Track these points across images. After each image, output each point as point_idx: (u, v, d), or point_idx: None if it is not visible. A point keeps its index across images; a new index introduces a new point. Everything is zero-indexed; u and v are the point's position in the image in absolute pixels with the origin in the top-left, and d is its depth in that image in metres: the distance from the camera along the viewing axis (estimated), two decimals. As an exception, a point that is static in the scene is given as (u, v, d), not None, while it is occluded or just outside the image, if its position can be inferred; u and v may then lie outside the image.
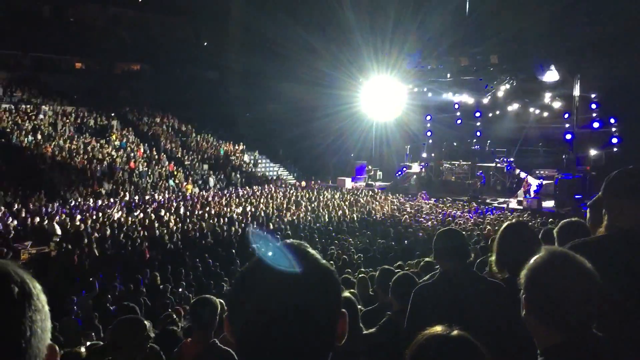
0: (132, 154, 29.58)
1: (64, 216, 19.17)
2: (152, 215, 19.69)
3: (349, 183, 32.28)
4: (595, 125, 26.14)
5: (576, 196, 23.29)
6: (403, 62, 30.27)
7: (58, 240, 16.41)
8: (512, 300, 2.13)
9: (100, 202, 22.90)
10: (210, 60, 44.26)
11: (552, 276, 1.75)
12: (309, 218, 20.97)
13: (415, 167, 33.60)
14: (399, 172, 33.79)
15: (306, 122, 32.83)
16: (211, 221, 19.14)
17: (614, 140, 25.87)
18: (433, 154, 33.76)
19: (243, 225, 18.77)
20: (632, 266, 2.09)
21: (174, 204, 22.73)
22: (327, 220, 20.64)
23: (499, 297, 2.90)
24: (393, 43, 30.00)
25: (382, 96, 32.74)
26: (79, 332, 7.63)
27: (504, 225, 3.27)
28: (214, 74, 45.09)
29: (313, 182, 32.24)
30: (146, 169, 28.26)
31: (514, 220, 3.23)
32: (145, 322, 3.43)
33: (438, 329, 1.53)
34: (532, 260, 1.83)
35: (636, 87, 22.22)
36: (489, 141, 32.00)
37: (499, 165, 29.99)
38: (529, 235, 3.12)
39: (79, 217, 19.07)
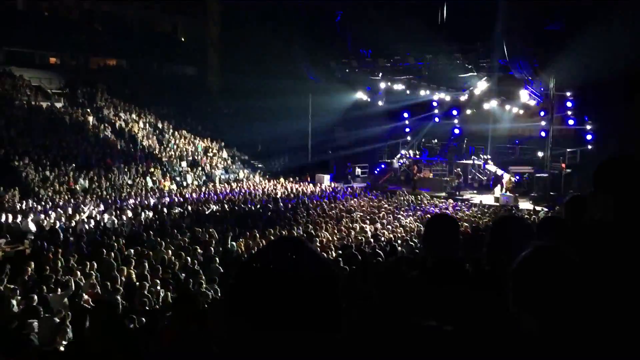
0: (109, 151, 29.22)
1: (38, 214, 18.89)
2: (130, 212, 19.51)
3: (327, 180, 32.28)
4: (570, 122, 26.53)
5: (551, 193, 23.64)
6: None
7: (33, 238, 16.17)
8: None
9: (75, 199, 22.60)
10: (188, 56, 43.96)
11: (541, 272, 1.78)
12: (288, 214, 20.94)
13: (394, 164, 33.75)
14: (376, 169, 33.94)
15: (286, 119, 32.80)
16: (189, 218, 19.04)
17: (588, 137, 26.28)
18: (411, 151, 33.97)
19: (223, 222, 18.68)
20: (619, 259, 2.12)
21: (151, 200, 22.54)
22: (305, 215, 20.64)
23: (487, 288, 2.93)
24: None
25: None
26: (55, 331, 7.54)
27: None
28: (192, 69, 44.81)
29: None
30: (123, 166, 27.94)
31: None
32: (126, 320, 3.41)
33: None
34: (520, 256, 1.85)
35: (609, 85, 22.56)
36: (466, 139, 32.29)
37: (476, 162, 30.31)
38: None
39: (53, 214, 18.81)
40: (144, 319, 7.06)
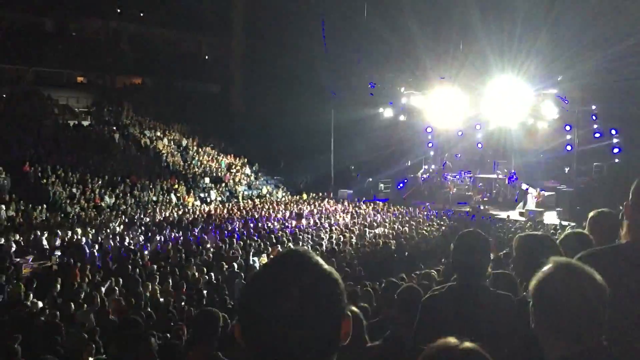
0: (134, 168, 29.60)
1: (65, 230, 19.18)
2: (154, 227, 19.70)
3: (349, 196, 32.19)
4: (596, 136, 26.17)
5: (578, 207, 23.26)
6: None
7: (59, 254, 16.39)
8: (520, 314, 2.11)
9: (102, 215, 22.92)
10: (212, 73, 44.51)
11: (561, 287, 1.75)
12: (312, 230, 20.93)
13: (417, 179, 33.59)
14: (401, 185, 33.78)
15: (309, 135, 32.89)
16: (212, 233, 19.15)
17: (615, 151, 25.87)
18: (434, 166, 33.79)
19: (245, 238, 18.74)
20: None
21: (176, 217, 22.75)
22: (329, 232, 20.60)
23: (507, 310, 2.89)
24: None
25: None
26: (81, 346, 7.60)
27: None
28: (216, 87, 45.33)
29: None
30: (148, 182, 28.26)
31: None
32: (150, 337, 3.43)
33: (450, 340, 1.52)
34: (540, 272, 1.83)
35: (635, 98, 22.26)
36: (490, 152, 32.03)
37: (500, 176, 30.00)
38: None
39: (80, 230, 19.07)
40: (168, 334, 7.08)
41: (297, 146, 33.71)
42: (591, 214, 3.56)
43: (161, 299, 11.34)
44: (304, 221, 22.57)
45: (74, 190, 24.91)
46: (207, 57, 48.15)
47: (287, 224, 22.01)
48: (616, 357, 1.74)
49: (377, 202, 29.80)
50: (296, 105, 33.70)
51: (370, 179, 34.51)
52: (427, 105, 31.64)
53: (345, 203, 29.12)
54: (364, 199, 30.96)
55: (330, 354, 1.24)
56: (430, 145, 34.62)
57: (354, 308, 3.96)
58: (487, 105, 29.08)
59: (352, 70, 32.61)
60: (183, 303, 11.45)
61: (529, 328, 1.90)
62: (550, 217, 24.38)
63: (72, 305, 10.14)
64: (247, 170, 35.57)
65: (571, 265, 1.83)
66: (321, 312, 1.20)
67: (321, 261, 1.27)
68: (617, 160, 25.84)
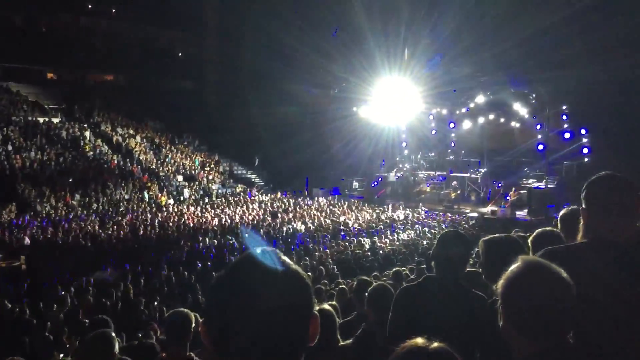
0: (106, 166, 29.20)
1: (35, 228, 18.83)
2: (127, 227, 19.45)
3: (324, 194, 32.25)
4: (567, 136, 26.60)
5: (548, 206, 23.63)
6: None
7: (29, 253, 16.09)
8: (492, 312, 2.14)
9: (72, 214, 22.54)
10: (185, 70, 44.13)
11: (528, 285, 1.77)
12: (285, 229, 20.91)
13: (391, 178, 33.77)
14: (374, 183, 33.93)
15: (284, 133, 32.84)
16: (186, 232, 19.00)
17: (585, 151, 26.35)
18: (407, 165, 34.02)
19: (219, 237, 18.64)
20: (608, 275, 2.12)
21: (149, 216, 22.49)
22: (302, 231, 20.61)
23: (481, 309, 2.92)
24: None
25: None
26: (49, 348, 7.46)
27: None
28: (189, 84, 44.96)
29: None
30: (120, 180, 27.91)
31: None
32: (115, 337, 3.38)
33: (418, 340, 1.53)
34: (508, 270, 1.85)
35: (605, 98, 22.70)
36: (463, 151, 32.36)
37: (472, 175, 30.35)
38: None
39: (50, 229, 18.75)
40: (140, 334, 6.99)
41: (271, 144, 33.61)
42: (561, 212, 3.62)
43: (134, 299, 11.20)
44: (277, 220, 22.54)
45: (44, 188, 24.47)
46: (180, 53, 47.70)
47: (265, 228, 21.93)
48: (582, 354, 1.77)
49: (353, 200, 29.92)
50: (270, 103, 33.62)
51: (344, 178, 34.60)
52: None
53: (321, 201, 29.16)
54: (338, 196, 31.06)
55: (299, 354, 1.23)
56: (404, 144, 34.83)
57: (326, 306, 3.97)
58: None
59: (327, 68, 32.61)
60: (156, 303, 11.34)
61: (498, 328, 1.92)
62: (522, 215, 24.74)
63: (41, 305, 9.97)
64: (221, 169, 35.36)
65: (539, 263, 1.86)
66: (289, 311, 1.19)
67: (289, 260, 1.27)
68: (586, 160, 26.31)
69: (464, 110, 30.05)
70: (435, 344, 1.51)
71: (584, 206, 2.40)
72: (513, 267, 1.84)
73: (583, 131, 26.52)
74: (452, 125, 31.36)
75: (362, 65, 31.04)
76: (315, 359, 3.46)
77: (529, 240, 3.43)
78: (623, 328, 2.03)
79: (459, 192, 29.69)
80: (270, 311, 1.17)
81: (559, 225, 3.58)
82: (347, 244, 17.46)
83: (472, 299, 3.01)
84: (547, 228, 3.56)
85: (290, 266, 1.26)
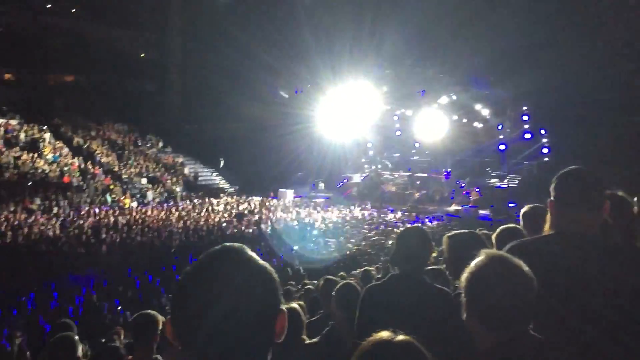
0: (66, 168, 28.56)
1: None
2: (89, 231, 19.09)
3: (290, 195, 32.23)
4: (527, 136, 27.21)
5: (510, 204, 24.12)
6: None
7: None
8: (457, 307, 2.17)
9: (32, 218, 21.97)
10: (148, 72, 43.44)
11: (490, 278, 1.82)
12: (251, 230, 20.83)
13: (356, 178, 33.97)
14: (340, 184, 34.09)
15: (249, 135, 32.72)
16: (150, 235, 18.73)
17: (545, 151, 26.99)
18: (373, 166, 34.26)
19: (183, 239, 18.45)
20: (574, 266, 2.18)
21: (112, 219, 22.09)
22: (269, 232, 20.57)
23: (445, 304, 2.97)
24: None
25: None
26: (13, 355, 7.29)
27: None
28: (152, 86, 44.27)
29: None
30: (81, 183, 27.34)
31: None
32: (78, 340, 3.32)
33: (384, 334, 1.55)
34: (471, 264, 1.89)
35: (564, 99, 23.28)
36: (427, 152, 32.77)
37: (436, 175, 30.78)
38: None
39: (9, 233, 18.26)
40: (103, 339, 6.88)
41: (237, 146, 33.42)
42: (523, 209, 3.72)
43: (97, 303, 11.01)
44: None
45: (2, 192, 23.79)
46: (142, 54, 46.96)
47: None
48: (545, 345, 1.82)
49: (319, 200, 29.99)
50: (235, 105, 33.42)
51: (311, 179, 34.61)
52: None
53: (286, 202, 29.14)
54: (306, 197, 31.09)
55: (266, 350, 1.24)
56: (369, 145, 35.08)
57: (294, 304, 3.98)
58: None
59: (292, 71, 32.58)
60: (119, 307, 11.18)
61: (462, 321, 1.96)
62: (485, 214, 25.17)
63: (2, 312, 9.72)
64: (186, 170, 34.96)
65: (501, 256, 1.91)
66: (256, 306, 1.20)
67: (256, 256, 1.27)
68: (546, 160, 26.96)
69: (427, 110, 30.43)
70: (400, 337, 1.54)
71: (552, 198, 2.46)
72: (476, 260, 1.88)
73: (542, 131, 27.17)
74: (416, 125, 31.69)
75: (329, 66, 31.14)
76: (281, 357, 3.47)
77: (493, 237, 3.51)
78: (587, 319, 2.10)
79: (423, 192, 30.04)
80: (237, 306, 1.17)
81: (521, 222, 3.67)
82: (313, 245, 17.51)
83: (436, 294, 3.06)
84: (510, 225, 3.65)
85: (257, 262, 1.26)
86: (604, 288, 2.14)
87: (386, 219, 24.31)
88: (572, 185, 2.40)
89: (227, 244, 1.29)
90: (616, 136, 22.48)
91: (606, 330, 2.07)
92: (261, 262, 1.27)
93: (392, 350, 1.49)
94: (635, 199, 5.39)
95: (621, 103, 22.86)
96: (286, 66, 32.36)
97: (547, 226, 2.48)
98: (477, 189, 28.32)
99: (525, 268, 1.82)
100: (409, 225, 3.45)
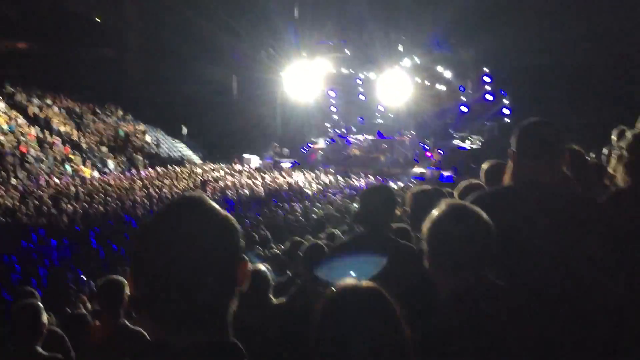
0: (23, 138, 27.74)
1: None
2: (49, 201, 18.70)
3: (255, 160, 32.07)
4: (488, 97, 27.53)
5: (472, 165, 24.52)
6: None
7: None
8: (420, 262, 2.21)
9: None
10: (105, 38, 42.05)
11: (450, 225, 1.86)
12: (216, 197, 20.70)
13: (321, 143, 33.95)
14: (304, 148, 34.03)
15: (212, 101, 32.23)
16: (114, 205, 18.47)
17: (506, 112, 27.39)
18: (337, 130, 34.24)
19: (148, 207, 18.25)
20: (532, 216, 2.23)
21: (72, 189, 21.66)
22: (235, 198, 20.49)
23: (409, 259, 3.01)
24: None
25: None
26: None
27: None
28: (111, 52, 42.95)
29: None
30: (39, 153, 26.65)
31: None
32: (42, 307, 3.27)
33: (349, 280, 1.58)
34: (432, 213, 1.93)
35: (524, 60, 23.55)
36: (391, 115, 32.87)
37: (401, 138, 30.97)
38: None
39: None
40: (68, 308, 6.83)
41: (200, 112, 32.92)
42: (484, 165, 3.80)
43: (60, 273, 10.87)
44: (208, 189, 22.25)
45: (-44, 164, 23.07)
46: (99, 19, 45.40)
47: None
48: (502, 291, 1.88)
49: (283, 165, 29.95)
50: (197, 70, 32.74)
51: (276, 144, 34.38)
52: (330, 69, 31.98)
53: (252, 168, 29.03)
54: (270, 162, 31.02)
55: (228, 299, 1.23)
56: (333, 108, 34.99)
57: (260, 266, 3.99)
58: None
59: (253, 35, 32.01)
60: (84, 276, 11.07)
61: (426, 275, 2.00)
62: (448, 175, 25.55)
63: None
64: (148, 138, 34.34)
65: (460, 204, 1.96)
66: (216, 254, 1.18)
67: (217, 206, 1.25)
68: (507, 120, 27.36)
69: (390, 73, 30.40)
70: (365, 283, 1.56)
71: (513, 149, 2.50)
72: (437, 209, 1.92)
73: (503, 93, 27.52)
74: (380, 89, 31.68)
75: (292, 30, 30.75)
76: (249, 317, 3.50)
77: (455, 193, 3.57)
78: (545, 267, 2.16)
79: (388, 155, 30.23)
80: (196, 254, 1.15)
81: (482, 178, 3.75)
82: (279, 210, 17.52)
83: (400, 250, 3.11)
84: (472, 181, 3.72)
85: (218, 211, 1.24)
86: (561, 236, 2.21)
87: (351, 182, 24.44)
88: (532, 136, 2.45)
89: (187, 194, 1.28)
90: (574, 97, 22.93)
91: (562, 277, 2.14)
92: (222, 211, 1.25)
93: (357, 295, 1.52)
94: (593, 154, 5.55)
95: (579, 64, 23.27)
96: (249, 29, 31.78)
97: (507, 177, 2.53)
98: (440, 150, 28.65)
99: (484, 215, 1.87)
100: (375, 184, 3.47)
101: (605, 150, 4.89)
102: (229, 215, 1.26)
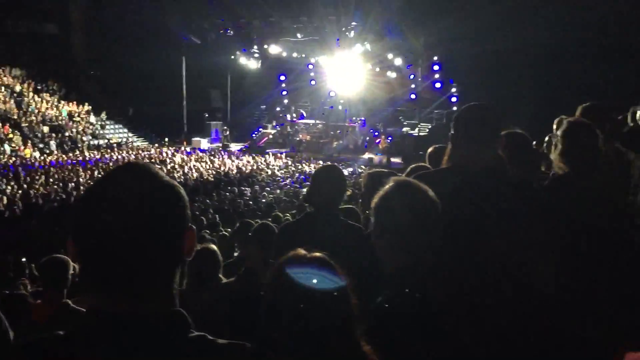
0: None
1: None
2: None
3: (204, 144, 31.69)
4: (437, 85, 27.99)
5: (420, 152, 24.95)
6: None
7: None
8: (368, 239, 2.24)
9: None
10: (47, 12, 40.36)
11: (396, 201, 1.90)
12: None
13: (270, 128, 33.83)
14: (254, 133, 33.84)
15: (160, 82, 31.54)
16: (55, 187, 17.91)
17: (453, 99, 27.94)
18: (287, 115, 34.18)
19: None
20: (459, 198, 2.29)
21: (12, 170, 20.88)
22: (182, 182, 20.18)
23: (357, 238, 3.05)
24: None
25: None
26: None
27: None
28: (54, 28, 41.29)
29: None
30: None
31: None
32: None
33: (299, 251, 1.61)
34: (381, 189, 1.97)
35: (473, 48, 23.99)
36: (342, 101, 33.02)
37: (351, 124, 31.19)
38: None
39: None
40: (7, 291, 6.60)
41: (147, 93, 32.18)
42: (429, 149, 3.92)
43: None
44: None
45: None
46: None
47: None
48: (445, 268, 1.94)
49: (231, 149, 29.70)
50: (144, 50, 31.93)
51: (226, 127, 34.04)
52: (282, 53, 31.82)
53: (199, 151, 28.67)
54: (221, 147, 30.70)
55: (173, 266, 1.19)
56: (284, 93, 34.87)
57: (210, 245, 3.98)
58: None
59: (203, 14, 31.41)
60: (24, 259, 10.70)
61: (373, 254, 2.05)
62: (396, 162, 25.94)
63: None
64: (92, 119, 33.34)
65: (407, 181, 2.01)
66: (161, 220, 1.14)
67: (162, 174, 1.21)
68: (455, 109, 27.91)
69: (342, 59, 30.49)
70: (315, 253, 1.59)
71: (451, 132, 2.57)
72: (385, 186, 1.97)
73: (451, 82, 28.05)
74: (329, 74, 31.73)
75: (245, 12, 30.32)
76: (199, 295, 3.49)
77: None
78: (470, 245, 2.24)
79: (340, 141, 30.42)
80: (140, 219, 1.11)
81: (427, 161, 3.86)
82: (227, 193, 17.39)
83: (349, 230, 3.15)
84: (420, 164, 3.81)
85: (164, 177, 1.21)
86: (488, 218, 2.29)
87: (300, 168, 24.47)
88: (467, 120, 2.52)
89: (132, 161, 1.25)
90: (522, 85, 23.55)
91: (487, 256, 2.23)
92: (168, 178, 1.22)
93: (305, 263, 1.55)
94: (537, 142, 5.73)
95: (528, 52, 23.88)
96: (199, 10, 31.16)
97: (444, 159, 2.61)
98: (389, 138, 29.01)
99: (430, 192, 1.92)
100: (325, 164, 3.49)
101: (546, 139, 5.07)
102: (175, 182, 1.22)
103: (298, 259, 1.57)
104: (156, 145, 30.84)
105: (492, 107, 2.57)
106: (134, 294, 1.13)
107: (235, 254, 5.93)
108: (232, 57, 33.17)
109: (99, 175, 19.90)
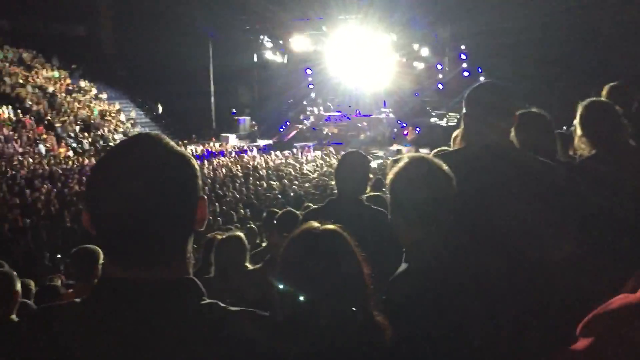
0: (-6, 118, 27.21)
1: None
2: (23, 181, 18.45)
3: (233, 140, 31.89)
4: (465, 74, 27.69)
5: (449, 143, 24.73)
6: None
7: None
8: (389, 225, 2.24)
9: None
10: (77, 14, 41.09)
11: (411, 176, 1.90)
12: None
13: (297, 122, 33.85)
14: (282, 127, 33.93)
15: (187, 79, 31.86)
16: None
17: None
18: (315, 109, 34.16)
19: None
20: (477, 176, 2.26)
21: (47, 169, 21.37)
22: (212, 176, 20.39)
23: (381, 223, 3.05)
24: None
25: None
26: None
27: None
28: (83, 29, 42.03)
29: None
30: (11, 132, 26.15)
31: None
32: (16, 276, 3.24)
33: (312, 223, 1.62)
34: (395, 166, 1.97)
35: (500, 38, 23.69)
36: (368, 93, 32.86)
37: (378, 116, 31.03)
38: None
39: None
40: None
41: (175, 91, 32.52)
42: (454, 133, 3.87)
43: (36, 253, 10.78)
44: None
45: None
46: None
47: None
48: (458, 241, 1.93)
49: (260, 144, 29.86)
50: (172, 48, 32.28)
51: (254, 123, 34.21)
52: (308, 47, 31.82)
53: (229, 146, 28.91)
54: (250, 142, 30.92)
55: (185, 236, 1.21)
56: (310, 87, 34.84)
57: (238, 233, 4.02)
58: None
59: (228, 10, 31.56)
60: (59, 255, 10.98)
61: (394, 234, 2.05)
62: (424, 151, 25.78)
63: None
64: (123, 117, 33.89)
65: (421, 157, 2.01)
66: (174, 189, 1.16)
67: (174, 144, 1.23)
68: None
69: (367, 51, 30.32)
70: (328, 225, 1.60)
71: (464, 111, 2.54)
72: (400, 163, 1.97)
73: (479, 70, 27.69)
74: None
75: (265, 7, 30.39)
76: (226, 281, 3.54)
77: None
78: (490, 219, 2.21)
79: (368, 133, 30.29)
80: (152, 187, 1.13)
81: (452, 145, 3.83)
82: (257, 187, 17.50)
83: (373, 215, 3.15)
84: (442, 148, 3.79)
85: (176, 147, 1.22)
86: (503, 196, 2.25)
87: (328, 161, 24.44)
88: (476, 99, 2.48)
89: (144, 132, 1.27)
90: (550, 73, 23.18)
91: (508, 230, 2.19)
92: (179, 148, 1.23)
93: (317, 236, 1.56)
94: (565, 127, 5.63)
95: (555, 41, 23.47)
96: (224, 7, 31.33)
97: (458, 139, 2.58)
98: (417, 129, 28.79)
99: (445, 167, 1.91)
100: (350, 150, 3.51)
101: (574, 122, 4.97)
102: (188, 153, 1.24)
103: (310, 232, 1.59)
104: (186, 141, 31.17)
105: (500, 86, 2.54)
106: (148, 261, 1.15)
107: (264, 244, 5.98)
108: (258, 52, 33.27)
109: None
